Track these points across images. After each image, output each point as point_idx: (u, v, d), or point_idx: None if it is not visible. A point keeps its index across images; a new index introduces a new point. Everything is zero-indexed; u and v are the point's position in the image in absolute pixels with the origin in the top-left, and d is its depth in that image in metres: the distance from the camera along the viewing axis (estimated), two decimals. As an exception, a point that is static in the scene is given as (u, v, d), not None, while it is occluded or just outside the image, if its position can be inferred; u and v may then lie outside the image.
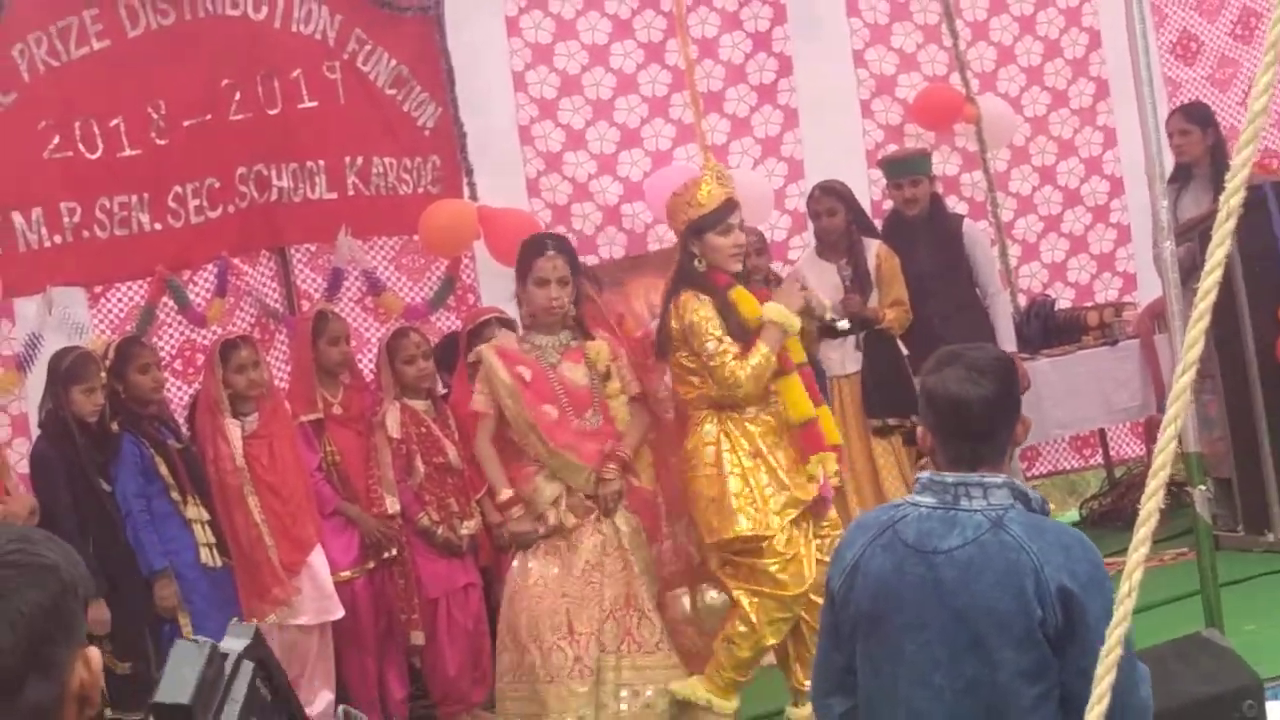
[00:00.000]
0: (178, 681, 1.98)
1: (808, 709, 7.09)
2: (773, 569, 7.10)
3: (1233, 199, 1.80)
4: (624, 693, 7.18)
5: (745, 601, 7.15)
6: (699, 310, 7.12)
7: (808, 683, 6.91)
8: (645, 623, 7.21)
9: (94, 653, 2.09)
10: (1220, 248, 1.83)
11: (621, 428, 7.34)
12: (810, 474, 7.15)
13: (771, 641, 7.22)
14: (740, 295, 7.16)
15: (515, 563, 7.33)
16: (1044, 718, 3.80)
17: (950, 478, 3.95)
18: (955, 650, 3.85)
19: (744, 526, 7.07)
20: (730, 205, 7.19)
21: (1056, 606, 3.76)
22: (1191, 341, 1.80)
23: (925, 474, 4.04)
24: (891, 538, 3.98)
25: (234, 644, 2.08)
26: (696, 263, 7.20)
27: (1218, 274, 1.82)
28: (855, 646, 4.04)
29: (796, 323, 7.20)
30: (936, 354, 4.09)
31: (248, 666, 2.05)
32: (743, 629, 7.18)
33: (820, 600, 6.74)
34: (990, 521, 3.87)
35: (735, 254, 7.19)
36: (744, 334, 7.13)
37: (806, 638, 7.10)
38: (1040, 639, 3.77)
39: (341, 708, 2.30)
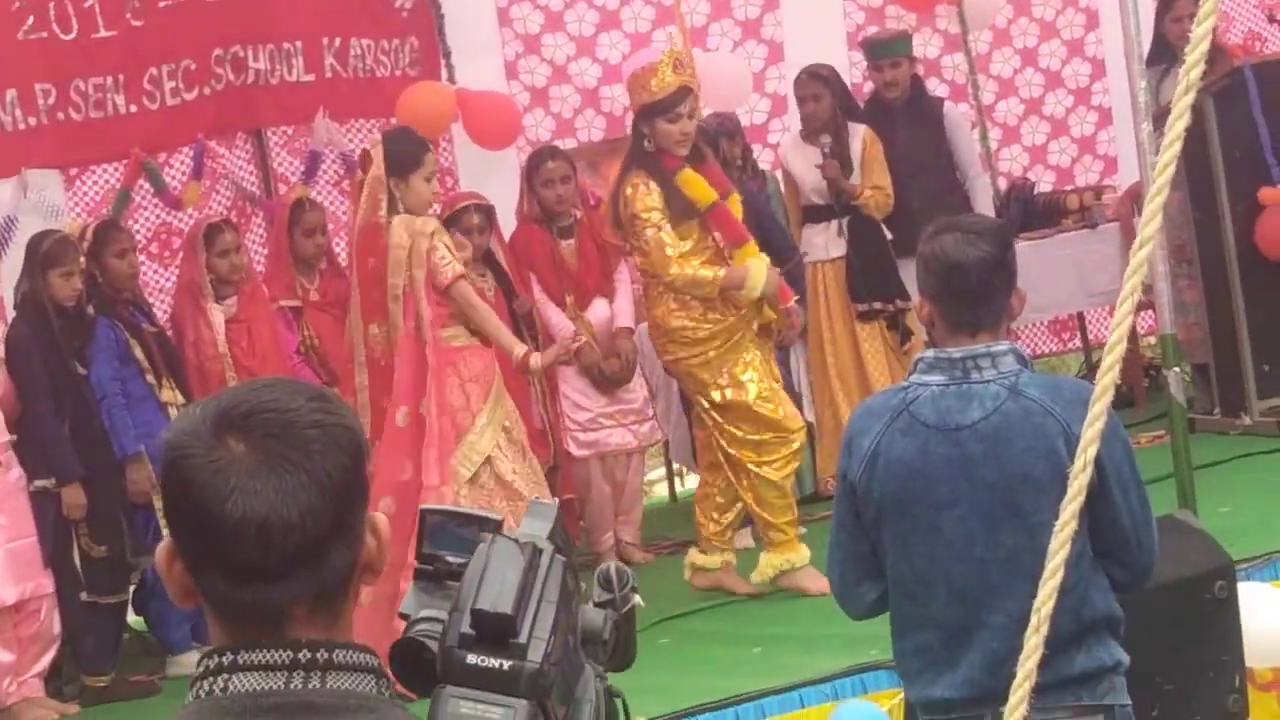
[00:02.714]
0: (501, 588, 1.91)
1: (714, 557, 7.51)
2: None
3: (1192, 72, 1.78)
4: None
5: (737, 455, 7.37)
6: (643, 201, 7.21)
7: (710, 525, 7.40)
8: None
9: (381, 519, 1.96)
10: (1179, 121, 1.82)
11: None
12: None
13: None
14: (687, 179, 7.27)
15: None
16: (1081, 574, 3.88)
17: (956, 352, 3.97)
18: (992, 522, 3.92)
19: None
20: (681, 94, 7.27)
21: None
22: (1149, 217, 1.79)
23: (929, 353, 4.06)
24: (909, 420, 3.98)
25: (538, 526, 2.01)
26: (646, 143, 7.33)
27: (1176, 147, 1.80)
28: (881, 533, 4.04)
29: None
30: (933, 224, 4.12)
31: (559, 563, 1.97)
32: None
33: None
34: (1007, 389, 3.92)
35: (681, 141, 7.30)
36: (689, 215, 7.27)
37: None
38: None
39: (613, 565, 2.23)
